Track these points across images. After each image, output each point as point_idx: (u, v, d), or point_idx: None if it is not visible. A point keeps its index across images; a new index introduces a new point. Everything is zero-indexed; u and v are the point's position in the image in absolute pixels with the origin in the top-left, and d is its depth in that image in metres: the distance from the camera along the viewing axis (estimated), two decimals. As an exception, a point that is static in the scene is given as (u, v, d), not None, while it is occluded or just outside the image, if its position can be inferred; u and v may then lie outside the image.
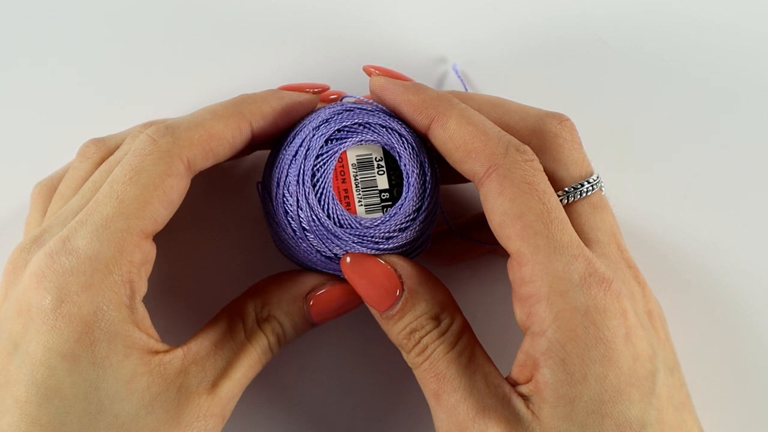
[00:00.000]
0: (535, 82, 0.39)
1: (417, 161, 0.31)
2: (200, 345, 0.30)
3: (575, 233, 0.29)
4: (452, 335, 0.30)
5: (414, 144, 0.31)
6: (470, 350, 0.30)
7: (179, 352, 0.29)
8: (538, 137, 0.31)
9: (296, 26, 0.39)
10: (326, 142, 0.31)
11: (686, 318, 0.37)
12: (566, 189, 0.30)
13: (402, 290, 0.30)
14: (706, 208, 0.39)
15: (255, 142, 0.32)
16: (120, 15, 0.40)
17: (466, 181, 0.32)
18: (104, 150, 0.34)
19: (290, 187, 0.30)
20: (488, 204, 0.29)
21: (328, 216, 0.30)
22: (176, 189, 0.29)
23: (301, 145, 0.31)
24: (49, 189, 0.34)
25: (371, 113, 0.31)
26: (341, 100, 0.34)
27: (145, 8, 0.40)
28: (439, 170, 0.33)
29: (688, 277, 0.38)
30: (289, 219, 0.30)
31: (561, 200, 0.30)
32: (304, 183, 0.30)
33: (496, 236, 0.29)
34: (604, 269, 0.28)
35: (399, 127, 0.31)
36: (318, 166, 0.30)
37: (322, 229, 0.30)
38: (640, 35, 0.40)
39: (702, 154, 0.39)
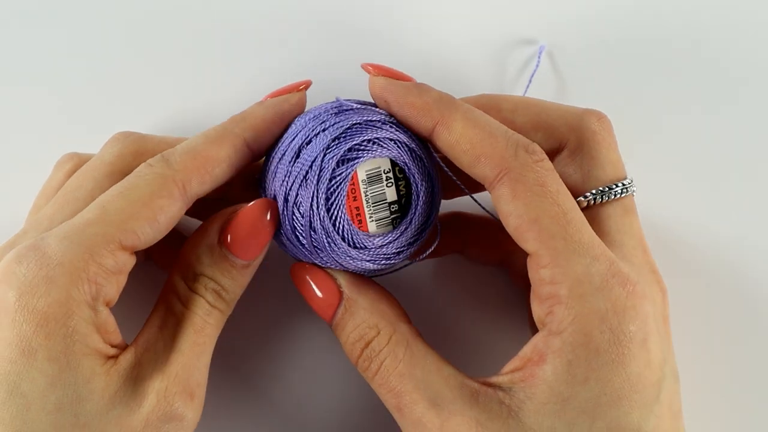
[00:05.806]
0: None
1: (426, 174, 0.31)
2: (148, 333, 0.30)
3: (594, 233, 0.29)
4: (396, 345, 0.30)
5: (423, 156, 0.31)
6: (422, 358, 0.30)
7: (131, 349, 0.29)
8: (576, 134, 0.31)
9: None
10: (338, 164, 0.30)
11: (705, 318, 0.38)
12: (601, 188, 0.31)
13: (341, 299, 0.31)
14: (725, 208, 0.39)
15: (256, 156, 0.32)
16: (119, 16, 0.40)
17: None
18: (77, 161, 0.34)
19: (301, 208, 0.30)
20: (502, 208, 0.29)
21: (343, 239, 0.30)
22: (166, 211, 0.29)
23: (312, 167, 0.29)
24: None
25: (377, 126, 0.30)
26: (336, 99, 0.32)
27: (146, 10, 0.40)
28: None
29: (707, 279, 0.38)
30: (298, 235, 0.30)
31: (593, 199, 0.31)
32: (318, 207, 0.29)
33: (513, 238, 0.29)
34: (627, 270, 0.28)
35: (407, 139, 0.31)
36: (332, 190, 0.30)
37: (336, 250, 0.30)
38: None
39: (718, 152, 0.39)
